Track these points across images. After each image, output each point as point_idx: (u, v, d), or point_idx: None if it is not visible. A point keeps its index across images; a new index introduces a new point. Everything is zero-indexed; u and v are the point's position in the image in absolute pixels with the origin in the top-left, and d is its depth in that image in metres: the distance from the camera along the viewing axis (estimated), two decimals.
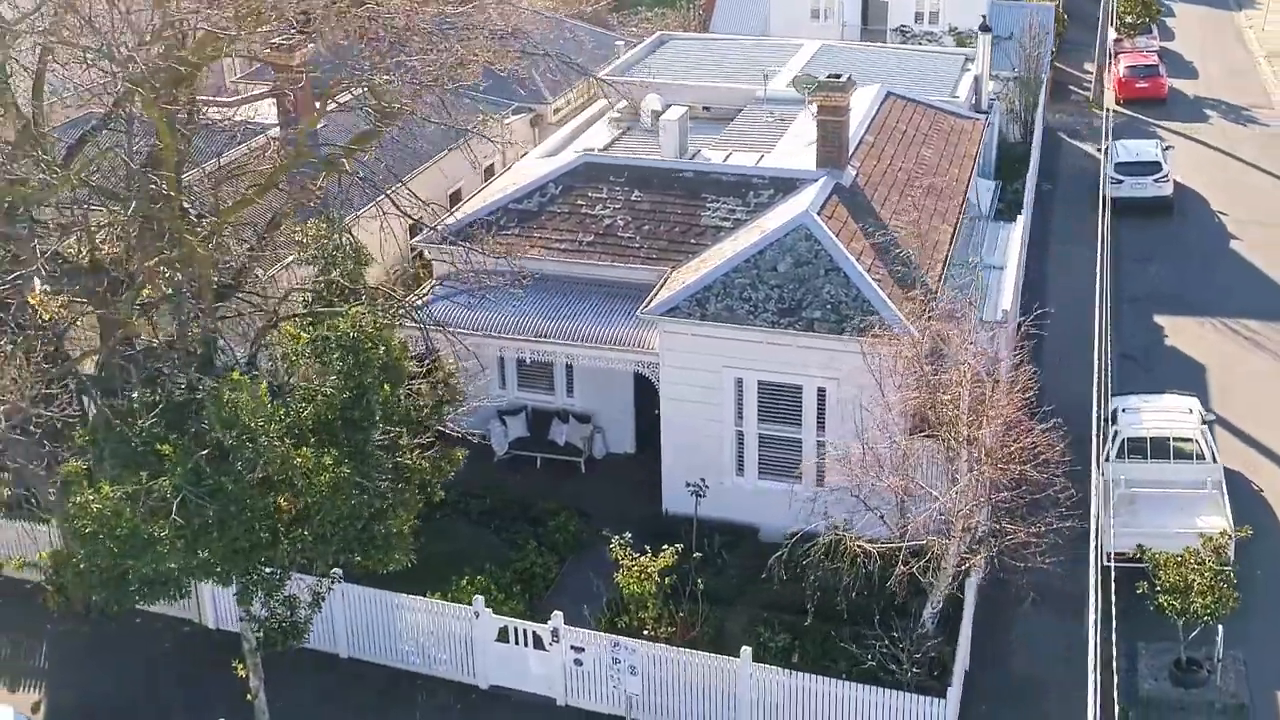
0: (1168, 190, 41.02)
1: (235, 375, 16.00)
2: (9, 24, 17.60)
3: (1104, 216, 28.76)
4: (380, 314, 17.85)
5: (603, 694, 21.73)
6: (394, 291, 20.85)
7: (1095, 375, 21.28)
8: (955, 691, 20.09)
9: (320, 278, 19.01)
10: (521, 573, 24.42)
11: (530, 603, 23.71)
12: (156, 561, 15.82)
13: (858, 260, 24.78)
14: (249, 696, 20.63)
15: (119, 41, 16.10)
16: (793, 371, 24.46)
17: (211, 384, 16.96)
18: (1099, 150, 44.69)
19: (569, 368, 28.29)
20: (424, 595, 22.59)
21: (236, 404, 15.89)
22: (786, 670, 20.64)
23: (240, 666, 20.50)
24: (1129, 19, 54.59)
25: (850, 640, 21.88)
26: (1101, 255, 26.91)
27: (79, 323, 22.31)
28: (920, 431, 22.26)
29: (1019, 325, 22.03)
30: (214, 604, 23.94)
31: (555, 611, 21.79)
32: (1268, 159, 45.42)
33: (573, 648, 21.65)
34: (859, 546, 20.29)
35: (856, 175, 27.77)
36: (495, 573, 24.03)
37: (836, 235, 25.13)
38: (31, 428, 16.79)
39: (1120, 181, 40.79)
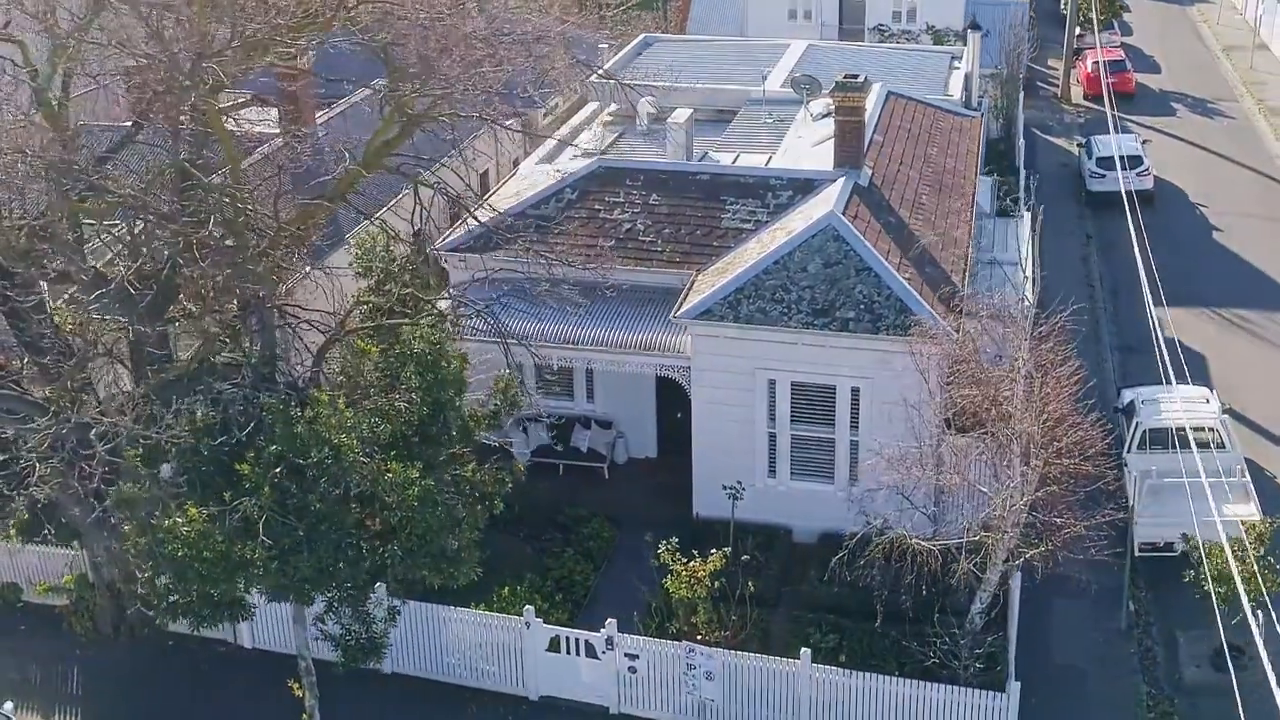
0: (1148, 183, 41.68)
1: (319, 393, 15.71)
2: (64, 34, 17.16)
3: (1133, 211, 29.12)
4: (448, 326, 17.62)
5: (658, 700, 21.66)
6: (463, 300, 20.47)
7: (1163, 369, 21.58)
8: (1017, 685, 20.23)
9: (378, 290, 18.73)
10: (560, 581, 24.29)
11: (572, 611, 23.60)
12: (251, 584, 15.49)
13: (885, 259, 24.90)
14: (305, 716, 20.32)
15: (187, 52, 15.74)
16: (826, 372, 24.53)
17: (273, 400, 16.64)
18: (1079, 145, 45.35)
19: (589, 373, 28.16)
20: (462, 607, 22.33)
21: (318, 420, 15.60)
22: (848, 670, 20.69)
23: (296, 686, 20.20)
24: (1093, 15, 55.40)
25: (896, 638, 22.07)
26: (1142, 250, 27.26)
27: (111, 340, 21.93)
28: (960, 429, 22.41)
29: (1059, 320, 22.18)
30: (250, 624, 23.49)
31: (609, 619, 21.68)
32: (1239, 151, 46.35)
33: (626, 655, 21.56)
34: (921, 545, 20.38)
35: (872, 175, 27.90)
36: (535, 581, 23.89)
37: (862, 235, 25.24)
38: (135, 447, 16.26)
39: (1102, 176, 41.43)
